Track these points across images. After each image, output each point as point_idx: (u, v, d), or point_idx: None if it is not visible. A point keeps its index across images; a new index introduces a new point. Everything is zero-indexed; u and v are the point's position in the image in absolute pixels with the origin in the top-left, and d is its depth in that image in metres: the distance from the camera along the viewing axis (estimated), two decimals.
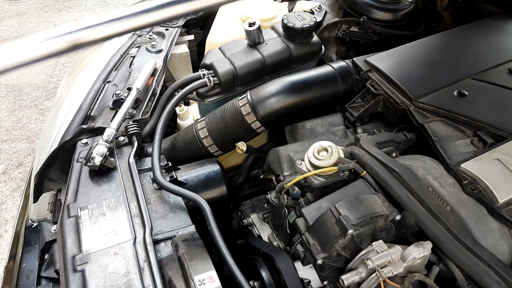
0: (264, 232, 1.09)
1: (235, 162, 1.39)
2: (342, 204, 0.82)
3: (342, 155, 0.94)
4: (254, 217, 1.14)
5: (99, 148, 0.91)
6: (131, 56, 1.30)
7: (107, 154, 0.91)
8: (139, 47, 1.34)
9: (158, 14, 0.44)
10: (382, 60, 1.19)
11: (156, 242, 0.78)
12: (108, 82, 1.19)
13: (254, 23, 1.23)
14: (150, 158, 0.98)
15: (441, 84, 1.08)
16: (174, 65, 1.53)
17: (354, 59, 1.24)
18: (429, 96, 1.05)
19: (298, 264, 0.93)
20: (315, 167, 0.93)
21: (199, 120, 1.17)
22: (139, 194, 0.86)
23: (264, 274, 0.87)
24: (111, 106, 1.10)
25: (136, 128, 1.01)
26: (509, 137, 0.92)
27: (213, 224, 0.83)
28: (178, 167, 1.05)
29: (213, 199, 1.01)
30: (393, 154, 1.05)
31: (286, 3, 1.64)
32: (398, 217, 0.82)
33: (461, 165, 0.87)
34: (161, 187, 0.90)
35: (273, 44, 1.27)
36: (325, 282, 0.88)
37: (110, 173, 0.93)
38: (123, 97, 1.09)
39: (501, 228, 0.81)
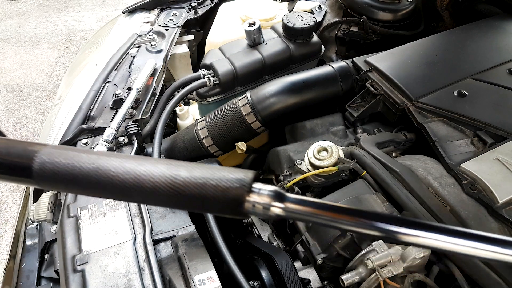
0: (264, 232, 1.09)
1: (235, 162, 1.39)
2: (342, 204, 0.82)
3: (342, 155, 0.94)
4: (254, 217, 1.14)
5: (99, 148, 0.91)
6: (131, 56, 1.30)
7: None
8: (139, 47, 1.34)
9: None
10: (382, 60, 1.19)
11: (156, 242, 0.78)
12: (108, 82, 1.18)
13: (254, 23, 1.23)
14: None
15: (441, 84, 1.08)
16: (174, 65, 1.53)
17: (354, 59, 1.24)
18: (429, 96, 1.05)
19: (298, 264, 0.93)
20: (315, 167, 0.93)
21: (199, 120, 1.17)
22: None
23: (264, 274, 0.87)
24: (111, 106, 1.10)
25: (136, 128, 1.01)
26: (509, 137, 0.92)
27: (213, 224, 0.83)
28: None
29: None
30: (393, 154, 1.05)
31: (286, 3, 1.64)
32: None
33: (461, 165, 0.87)
34: None
35: (273, 44, 1.27)
36: (325, 282, 0.88)
37: None
38: (123, 97, 1.09)
39: (501, 228, 0.81)
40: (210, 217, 0.84)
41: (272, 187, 0.42)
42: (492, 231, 0.80)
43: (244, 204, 0.41)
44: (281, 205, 0.41)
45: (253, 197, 0.41)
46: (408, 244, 0.46)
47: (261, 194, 0.41)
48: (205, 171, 0.41)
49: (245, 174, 0.42)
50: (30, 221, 1.09)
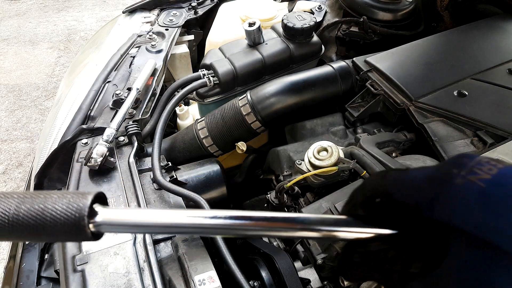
0: None
1: (235, 162, 1.39)
2: (342, 204, 0.82)
3: (342, 155, 0.94)
4: None
5: (99, 148, 0.91)
6: (131, 56, 1.30)
7: (107, 154, 0.91)
8: (139, 47, 1.34)
9: None
10: (382, 60, 1.19)
11: (156, 242, 0.78)
12: (108, 82, 1.19)
13: (254, 23, 1.23)
14: (150, 158, 0.98)
15: (441, 84, 1.08)
16: (174, 65, 1.53)
17: (354, 59, 1.24)
18: (429, 96, 1.05)
19: (298, 264, 0.93)
20: (315, 167, 0.93)
21: (199, 120, 1.17)
22: (139, 194, 0.86)
23: (264, 274, 0.87)
24: (111, 106, 1.10)
25: (136, 128, 1.01)
26: (509, 137, 0.92)
27: None
28: (178, 167, 1.05)
29: (213, 199, 1.01)
30: (393, 154, 1.05)
31: (286, 3, 1.64)
32: None
33: None
34: (161, 187, 0.90)
35: (273, 44, 1.27)
36: (325, 282, 0.88)
37: (110, 173, 0.93)
38: (123, 97, 1.09)
39: None
40: None
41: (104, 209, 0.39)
42: None
43: (87, 231, 0.38)
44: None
45: (97, 220, 0.39)
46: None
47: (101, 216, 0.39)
48: (38, 205, 0.39)
49: (83, 202, 0.39)
50: None
